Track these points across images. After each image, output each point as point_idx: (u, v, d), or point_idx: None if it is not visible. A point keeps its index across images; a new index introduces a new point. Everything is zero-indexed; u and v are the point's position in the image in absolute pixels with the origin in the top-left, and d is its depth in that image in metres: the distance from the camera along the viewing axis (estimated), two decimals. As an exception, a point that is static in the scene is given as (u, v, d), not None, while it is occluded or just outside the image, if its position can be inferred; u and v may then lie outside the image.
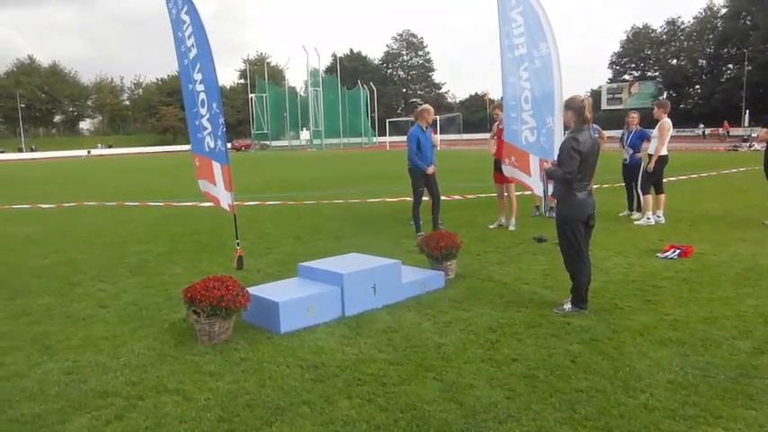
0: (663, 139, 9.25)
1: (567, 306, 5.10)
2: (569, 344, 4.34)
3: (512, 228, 9.16)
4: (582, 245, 5.05)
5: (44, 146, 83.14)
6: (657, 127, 9.35)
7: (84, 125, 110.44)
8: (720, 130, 54.95)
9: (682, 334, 4.48)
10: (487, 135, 11.15)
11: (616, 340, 4.39)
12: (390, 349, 4.31)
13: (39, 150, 78.17)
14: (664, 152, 9.35)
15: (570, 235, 5.02)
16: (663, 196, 9.51)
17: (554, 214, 9.76)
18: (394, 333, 4.65)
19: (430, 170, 8.74)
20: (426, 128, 8.79)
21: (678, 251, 7.09)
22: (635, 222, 9.41)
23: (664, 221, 9.32)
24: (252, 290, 4.90)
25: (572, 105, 4.98)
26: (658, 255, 7.13)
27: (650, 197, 9.39)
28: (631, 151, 10.08)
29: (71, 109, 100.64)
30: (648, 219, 9.29)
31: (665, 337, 4.42)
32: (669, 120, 9.33)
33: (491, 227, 9.38)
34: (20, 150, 78.31)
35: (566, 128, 5.40)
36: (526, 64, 7.90)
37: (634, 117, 10.26)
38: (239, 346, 4.44)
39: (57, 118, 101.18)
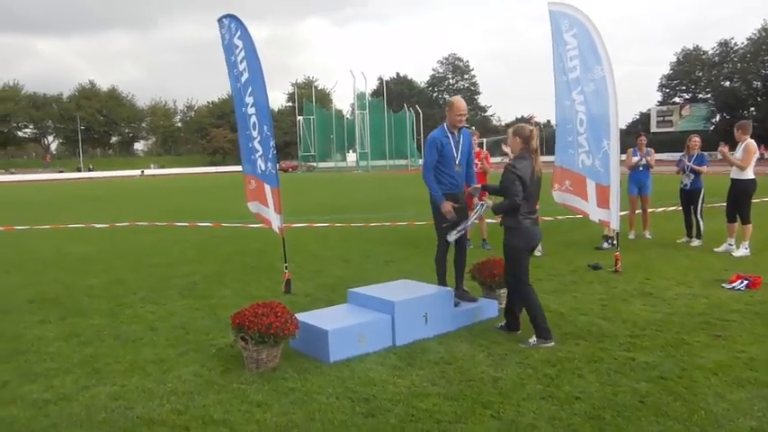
0: (748, 161, 8.51)
1: (533, 340, 4.92)
2: (635, 381, 4.07)
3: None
4: (526, 273, 5.14)
5: (101, 166, 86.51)
6: (743, 149, 8.57)
7: (138, 146, 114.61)
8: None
9: (760, 374, 4.14)
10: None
11: (687, 379, 4.09)
12: (444, 382, 4.12)
13: (96, 170, 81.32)
14: (751, 175, 8.64)
15: (519, 262, 5.08)
16: (736, 225, 8.91)
17: (605, 245, 9.42)
18: (447, 365, 4.46)
19: (444, 209, 5.48)
20: (459, 130, 5.66)
21: (746, 282, 6.66)
22: (734, 254, 8.58)
23: (734, 249, 8.72)
24: (300, 316, 4.80)
25: (521, 133, 5.05)
26: (724, 285, 6.71)
27: (737, 225, 8.77)
28: (692, 176, 9.62)
29: (127, 131, 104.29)
30: (746, 249, 8.57)
31: (741, 378, 4.09)
32: (753, 141, 8.60)
33: (537, 254, 8.69)
34: (78, 170, 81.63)
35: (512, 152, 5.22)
36: (580, 87, 7.68)
37: (696, 141, 9.73)
38: (287, 374, 4.32)
39: (113, 139, 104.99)
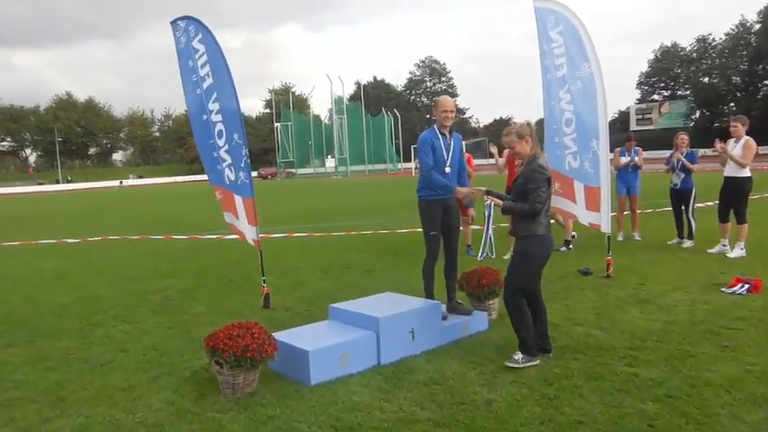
0: (749, 158, 8.22)
1: (518, 356, 4.48)
2: (641, 402, 3.76)
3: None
4: (537, 286, 4.72)
5: (79, 177, 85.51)
6: (743, 145, 8.25)
7: (117, 157, 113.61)
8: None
9: (775, 390, 3.84)
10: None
11: (697, 398, 3.77)
12: (434, 406, 3.79)
13: (74, 182, 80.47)
14: (748, 173, 8.33)
15: (529, 273, 4.61)
16: (729, 225, 8.58)
17: (564, 249, 9.08)
18: (437, 386, 4.13)
19: (462, 193, 5.23)
20: (450, 134, 5.41)
21: (747, 286, 6.34)
22: (729, 255, 8.29)
23: (728, 250, 8.45)
24: (279, 335, 4.46)
25: (527, 132, 4.59)
26: (724, 290, 6.40)
27: (730, 225, 8.51)
28: (682, 175, 9.38)
29: (105, 141, 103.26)
30: (741, 249, 8.28)
31: (756, 395, 3.77)
32: (750, 138, 8.28)
33: (505, 257, 7.98)
34: (57, 182, 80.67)
35: (520, 158, 4.77)
36: (567, 86, 7.42)
37: (684, 138, 9.54)
38: (265, 400, 3.98)
39: (91, 150, 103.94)
